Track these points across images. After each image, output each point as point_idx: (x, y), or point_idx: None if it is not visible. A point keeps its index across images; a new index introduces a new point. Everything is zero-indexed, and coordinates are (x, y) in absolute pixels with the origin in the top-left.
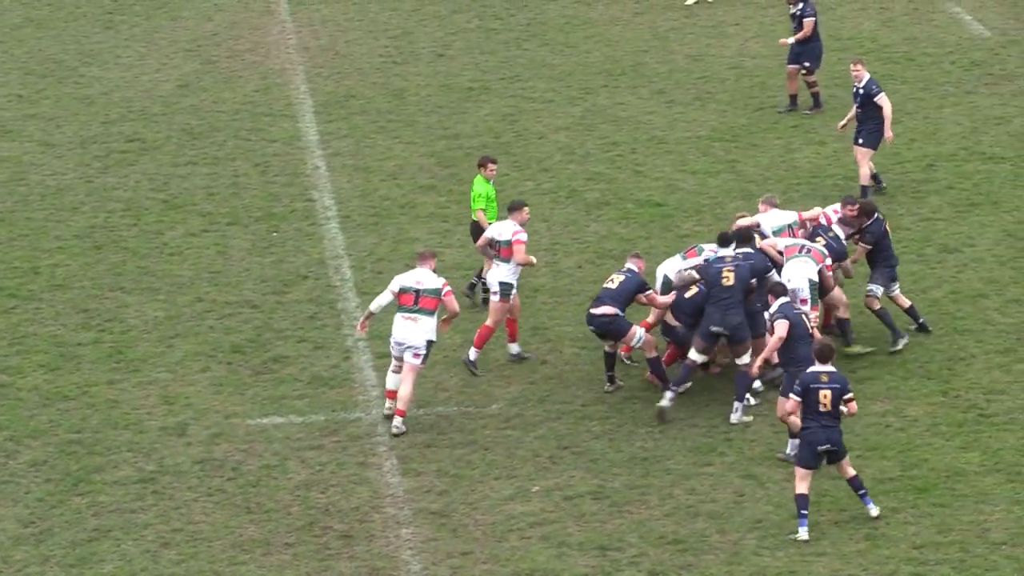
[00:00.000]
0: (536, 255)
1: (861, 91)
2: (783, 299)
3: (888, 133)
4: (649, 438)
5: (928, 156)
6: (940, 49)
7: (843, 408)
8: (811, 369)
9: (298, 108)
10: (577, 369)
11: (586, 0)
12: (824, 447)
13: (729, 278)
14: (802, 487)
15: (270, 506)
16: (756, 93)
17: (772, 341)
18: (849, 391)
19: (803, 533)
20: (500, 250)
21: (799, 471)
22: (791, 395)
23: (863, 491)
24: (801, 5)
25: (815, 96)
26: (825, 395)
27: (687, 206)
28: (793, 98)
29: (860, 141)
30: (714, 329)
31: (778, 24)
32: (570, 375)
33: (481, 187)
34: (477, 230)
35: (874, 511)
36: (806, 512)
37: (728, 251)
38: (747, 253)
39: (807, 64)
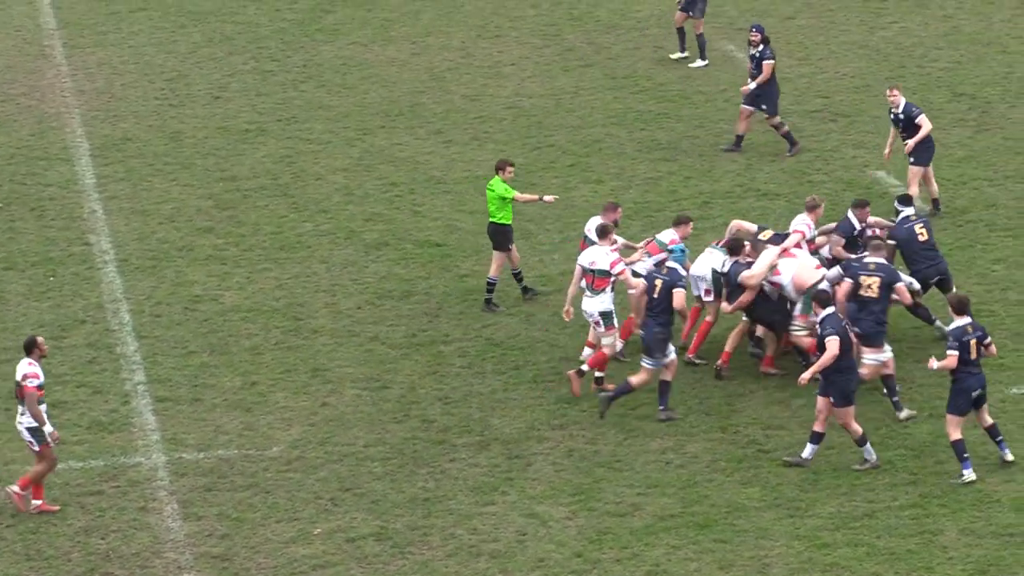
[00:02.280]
0: (315, 297)
1: (901, 115)
2: (829, 309)
3: (908, 146)
4: (431, 478)
5: (704, 194)
6: (715, 87)
7: (984, 352)
8: (955, 324)
9: (74, 152)
10: (358, 411)
11: (362, 41)
12: (976, 392)
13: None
14: (956, 434)
15: (50, 553)
16: (533, 132)
17: (824, 358)
18: (988, 336)
19: (969, 474)
20: (595, 281)
21: (953, 419)
22: (950, 351)
23: (1000, 438)
24: (761, 47)
25: (788, 136)
26: (973, 343)
27: (466, 246)
28: (739, 138)
29: (912, 160)
30: None
31: (553, 63)
32: (351, 417)
33: (502, 186)
34: (496, 231)
35: (1008, 456)
36: (967, 455)
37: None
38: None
39: (764, 107)
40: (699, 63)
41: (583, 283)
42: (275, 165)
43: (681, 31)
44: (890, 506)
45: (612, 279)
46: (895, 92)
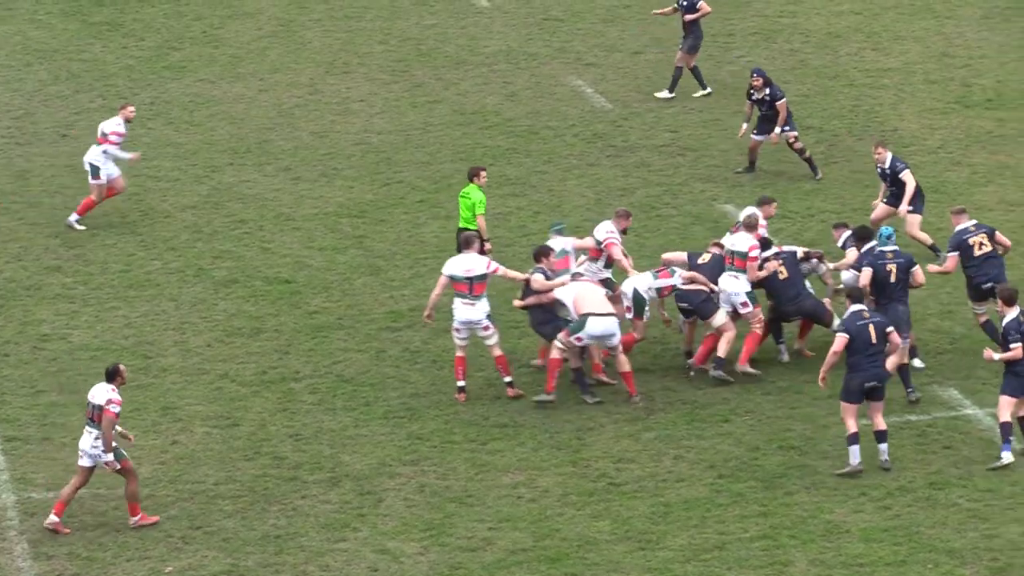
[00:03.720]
0: (164, 335)
1: (888, 170)
2: (855, 307)
3: (902, 209)
4: (282, 516)
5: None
6: (563, 122)
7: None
8: (1010, 316)
9: None
10: (208, 449)
11: (210, 78)
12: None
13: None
14: (1006, 415)
15: None
16: (382, 168)
17: (828, 355)
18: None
19: (1007, 456)
20: (738, 261)
21: (1005, 400)
22: (1013, 344)
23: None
24: (768, 90)
25: (809, 160)
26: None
27: (315, 283)
28: (752, 163)
29: (910, 209)
30: None
31: (402, 99)
32: (201, 455)
33: (478, 194)
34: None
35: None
36: (1011, 436)
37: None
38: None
39: (787, 130)
40: (665, 94)
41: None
42: (124, 203)
43: (695, 69)
44: (740, 538)
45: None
46: (880, 149)
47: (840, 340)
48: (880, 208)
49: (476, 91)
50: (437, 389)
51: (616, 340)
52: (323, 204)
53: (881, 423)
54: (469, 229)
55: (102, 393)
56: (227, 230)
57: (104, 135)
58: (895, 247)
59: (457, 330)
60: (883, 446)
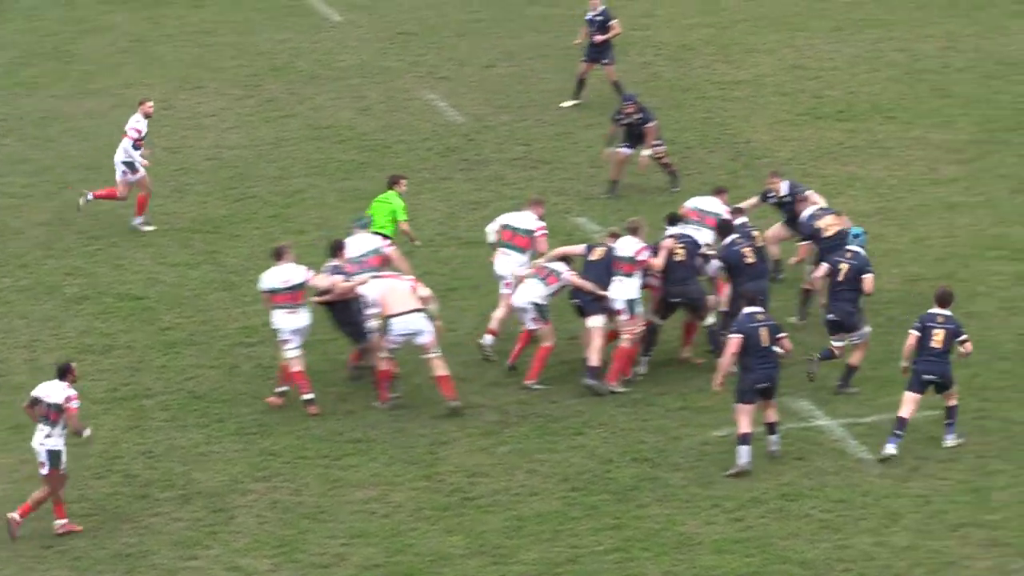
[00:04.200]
0: (15, 353)
1: (787, 197)
2: (749, 308)
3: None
4: (134, 534)
5: (405, 243)
6: (416, 136)
7: (961, 349)
8: (930, 311)
9: None
10: None
11: (61, 95)
12: (930, 377)
13: (680, 253)
14: (906, 411)
15: None
16: (235, 183)
17: (722, 358)
18: (963, 333)
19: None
20: (624, 266)
21: (907, 396)
22: (911, 331)
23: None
24: (639, 115)
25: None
26: (938, 334)
27: (168, 299)
28: (615, 183)
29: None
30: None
31: (255, 113)
32: None
33: (399, 201)
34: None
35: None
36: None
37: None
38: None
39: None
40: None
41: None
42: None
43: (582, 81)
44: (594, 551)
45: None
46: (775, 179)
47: (733, 341)
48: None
49: (329, 105)
50: (289, 405)
51: (425, 338)
52: (175, 220)
53: (772, 416)
54: (384, 235)
55: (57, 391)
56: (79, 247)
57: (126, 132)
58: (857, 249)
59: (285, 341)
60: (773, 437)
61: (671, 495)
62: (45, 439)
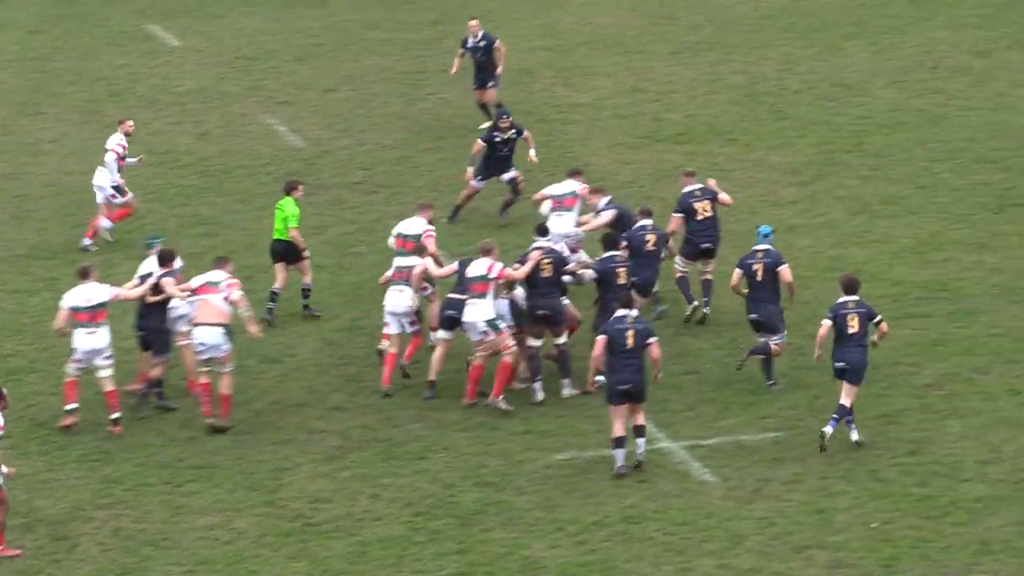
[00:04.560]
0: None
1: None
2: (621, 311)
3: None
4: None
5: (248, 267)
6: (256, 161)
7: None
8: (839, 300)
9: None
10: None
11: None
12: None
13: (547, 269)
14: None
15: None
16: (74, 210)
17: (591, 359)
18: (876, 314)
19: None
20: (477, 286)
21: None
22: (824, 321)
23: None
24: (513, 130)
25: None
26: (852, 319)
27: (7, 326)
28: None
29: None
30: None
31: (94, 139)
32: None
33: (293, 208)
34: (287, 249)
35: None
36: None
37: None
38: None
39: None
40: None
41: None
42: None
43: (483, 106)
44: (437, 575)
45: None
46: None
47: (599, 342)
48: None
49: (168, 131)
50: (130, 432)
51: (220, 352)
52: (14, 246)
53: (639, 420)
54: (283, 241)
55: None
56: None
57: (108, 150)
58: (767, 246)
59: (78, 360)
60: (640, 440)
61: (515, 519)
62: None
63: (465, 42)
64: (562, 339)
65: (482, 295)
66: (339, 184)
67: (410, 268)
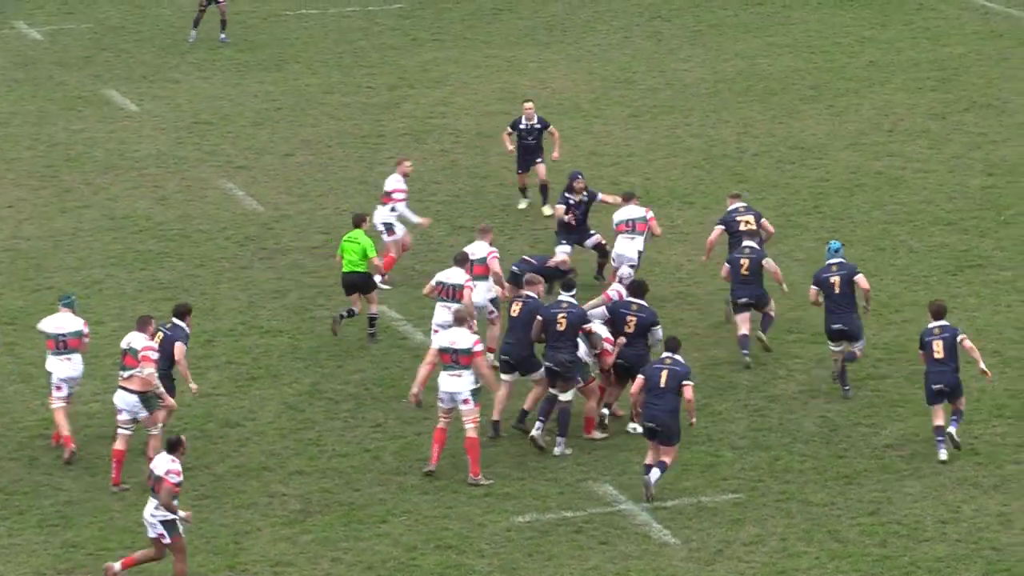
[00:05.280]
0: None
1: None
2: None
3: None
4: None
5: (207, 332)
6: (215, 225)
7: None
8: (928, 326)
9: None
10: None
11: None
12: (938, 386)
13: (562, 323)
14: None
15: None
16: (31, 275)
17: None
18: (960, 334)
19: (942, 454)
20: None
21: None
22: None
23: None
24: (585, 193)
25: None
26: (938, 345)
27: None
28: None
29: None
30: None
31: (51, 204)
32: None
33: (367, 239)
34: (363, 280)
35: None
36: (941, 438)
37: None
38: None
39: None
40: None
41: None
42: None
43: (523, 189)
44: None
45: None
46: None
47: (637, 382)
48: None
49: (126, 195)
50: (91, 496)
51: (141, 414)
52: None
53: (665, 458)
54: (358, 272)
55: (162, 463)
56: None
57: (387, 194)
58: (841, 259)
59: (58, 388)
60: (655, 471)
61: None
62: (155, 510)
63: (516, 123)
64: (566, 396)
65: (466, 367)
66: (298, 248)
67: (459, 287)
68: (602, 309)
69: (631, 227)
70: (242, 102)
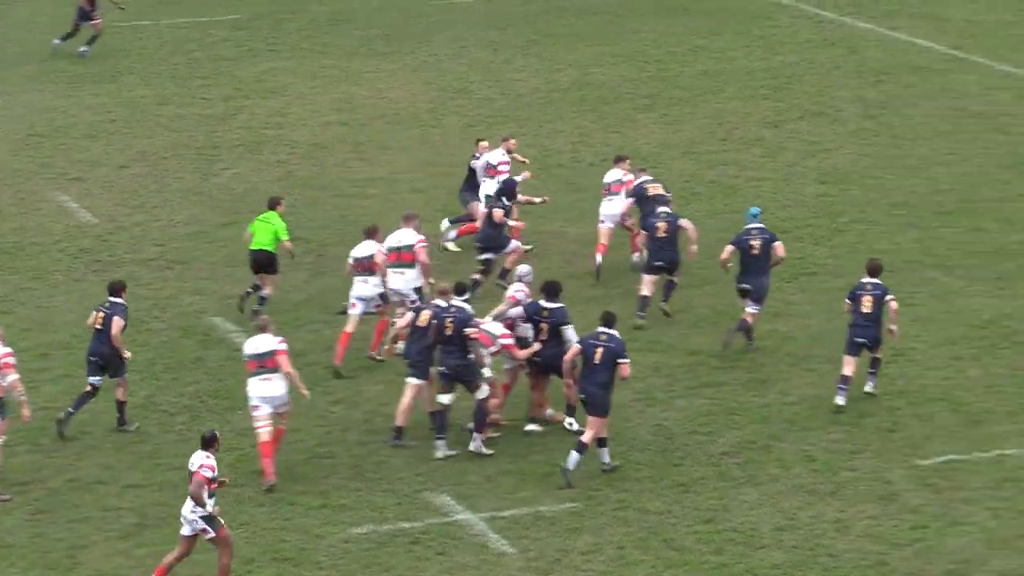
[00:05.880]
0: None
1: None
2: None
3: None
4: None
5: (42, 345)
6: (49, 238)
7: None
8: (861, 280)
9: None
10: None
11: None
12: (860, 340)
13: (450, 327)
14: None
15: None
16: None
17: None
18: (888, 294)
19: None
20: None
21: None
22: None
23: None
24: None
25: None
26: (868, 299)
27: None
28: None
29: None
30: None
31: None
32: None
33: (280, 221)
34: (269, 260)
35: None
36: (843, 386)
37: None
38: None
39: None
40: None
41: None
42: None
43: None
44: None
45: None
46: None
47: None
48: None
49: None
50: None
51: None
52: None
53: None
54: (266, 251)
55: (197, 458)
56: None
57: (492, 167)
58: (761, 225)
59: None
60: (603, 450)
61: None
62: (193, 507)
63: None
64: (480, 393)
65: (275, 370)
66: (133, 260)
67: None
68: (519, 309)
69: (608, 190)
70: (75, 114)
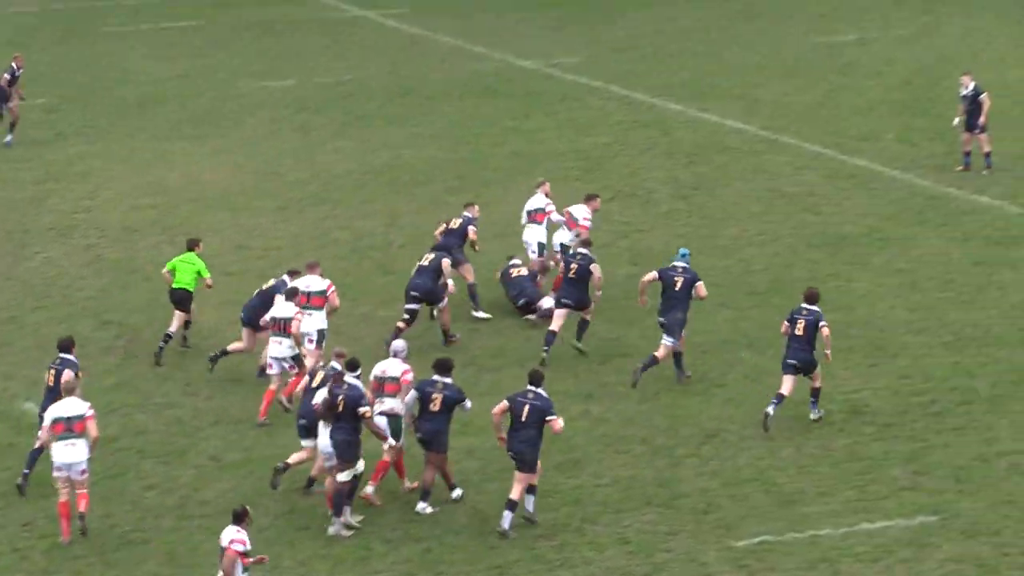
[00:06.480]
0: None
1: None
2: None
3: None
4: None
5: None
6: None
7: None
8: (799, 305)
9: None
10: None
11: None
12: (792, 361)
13: (340, 404)
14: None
15: None
16: None
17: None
18: (822, 320)
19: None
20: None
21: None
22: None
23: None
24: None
25: None
26: (801, 323)
27: None
28: None
29: None
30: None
31: None
32: None
33: (199, 261)
34: (188, 298)
35: None
36: (776, 400)
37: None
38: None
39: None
40: None
41: None
42: None
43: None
44: None
45: None
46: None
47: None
48: None
49: None
50: None
51: None
52: None
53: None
54: (186, 290)
55: (227, 534)
56: None
57: (540, 211)
58: (686, 264)
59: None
60: (530, 497)
61: None
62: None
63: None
64: (343, 476)
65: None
66: None
67: (288, 320)
68: (412, 393)
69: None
70: None
